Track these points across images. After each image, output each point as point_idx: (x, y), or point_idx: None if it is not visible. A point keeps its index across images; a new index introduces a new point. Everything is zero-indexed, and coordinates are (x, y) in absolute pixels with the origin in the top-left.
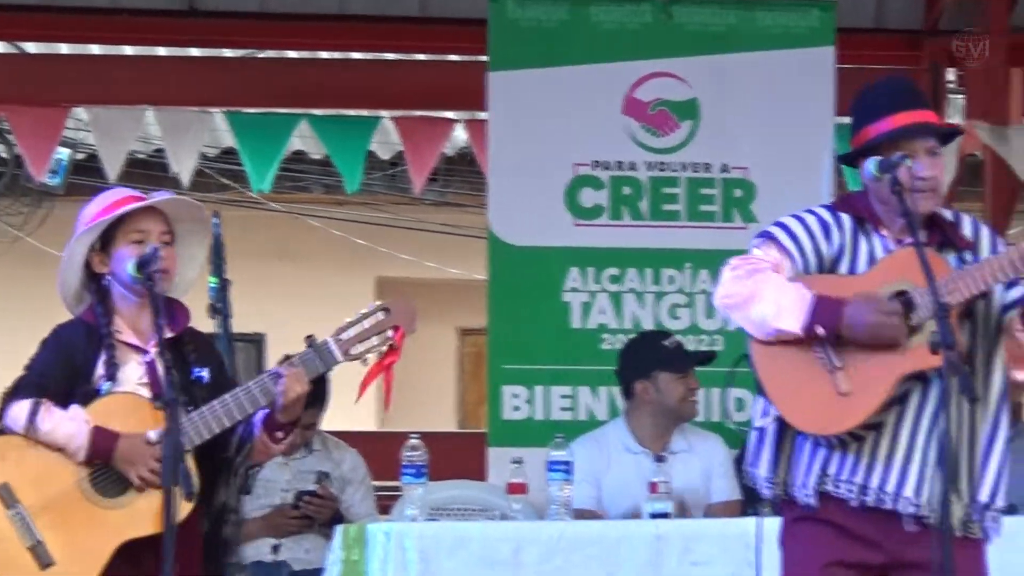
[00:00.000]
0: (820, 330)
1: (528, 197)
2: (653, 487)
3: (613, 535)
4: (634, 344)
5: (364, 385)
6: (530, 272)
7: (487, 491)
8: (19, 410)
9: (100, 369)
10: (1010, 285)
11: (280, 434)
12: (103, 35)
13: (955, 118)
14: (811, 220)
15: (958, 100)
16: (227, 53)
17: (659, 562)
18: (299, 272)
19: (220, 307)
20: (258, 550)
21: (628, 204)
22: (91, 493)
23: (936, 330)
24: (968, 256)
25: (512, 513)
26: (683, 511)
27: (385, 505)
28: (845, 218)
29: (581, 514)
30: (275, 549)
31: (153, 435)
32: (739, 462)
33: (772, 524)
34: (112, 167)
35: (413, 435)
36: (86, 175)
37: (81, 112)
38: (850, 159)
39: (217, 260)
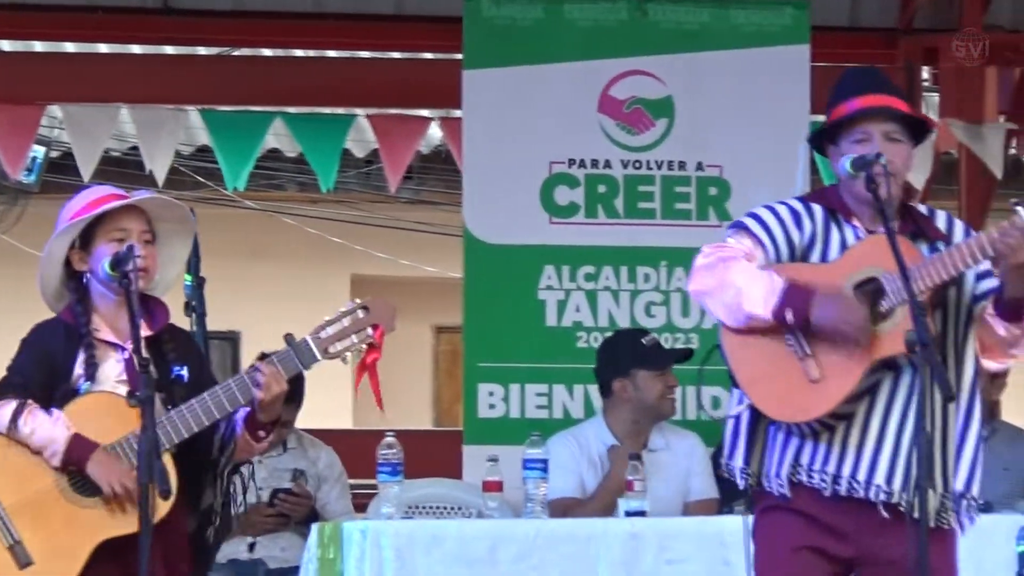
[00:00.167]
0: (789, 315)
1: (503, 195)
2: (629, 485)
3: (589, 533)
4: (612, 342)
5: (357, 382)
6: (505, 270)
7: (463, 489)
8: (3, 411)
9: (79, 368)
10: (982, 277)
11: (262, 433)
12: (78, 33)
13: (930, 116)
14: (783, 210)
15: (933, 98)
16: (202, 51)
17: (634, 560)
18: (274, 270)
19: (195, 305)
20: (234, 548)
21: (603, 202)
22: (70, 493)
23: (912, 328)
24: (941, 247)
25: (488, 511)
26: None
27: (361, 503)
28: (817, 208)
29: (561, 504)
30: (251, 547)
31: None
32: (715, 459)
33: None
34: (87, 165)
35: (389, 433)
36: (61, 173)
37: (56, 110)
38: (818, 144)
39: (192, 258)
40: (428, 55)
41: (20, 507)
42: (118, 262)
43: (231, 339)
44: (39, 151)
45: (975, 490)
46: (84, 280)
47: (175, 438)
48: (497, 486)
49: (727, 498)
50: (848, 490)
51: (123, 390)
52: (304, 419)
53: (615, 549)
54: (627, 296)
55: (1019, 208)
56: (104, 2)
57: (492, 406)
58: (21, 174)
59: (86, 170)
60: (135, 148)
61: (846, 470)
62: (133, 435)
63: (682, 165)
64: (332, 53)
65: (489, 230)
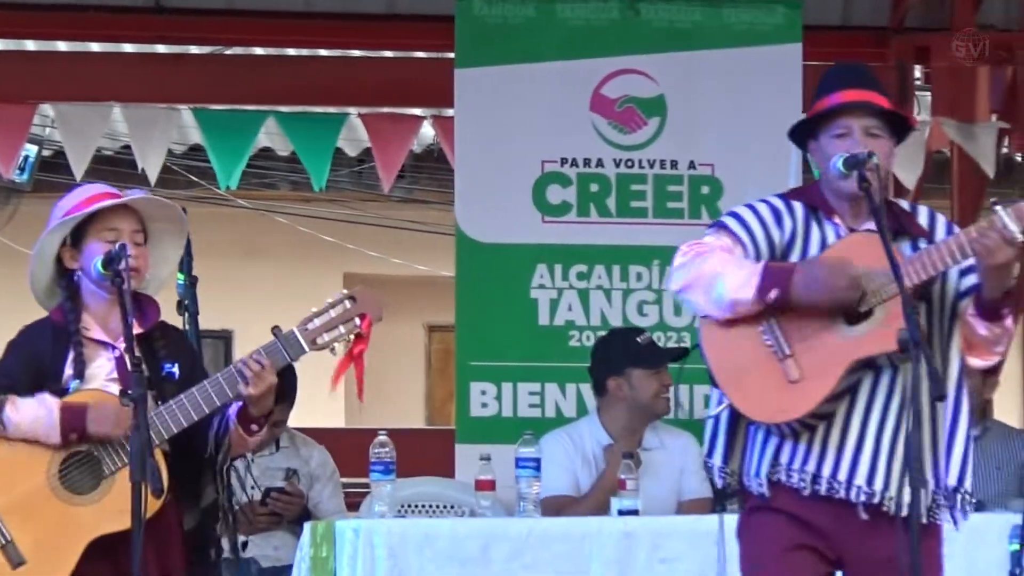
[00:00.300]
0: (774, 293)
1: (495, 194)
2: (622, 483)
3: (582, 531)
4: (607, 340)
5: (337, 375)
6: (498, 269)
7: (455, 488)
8: None
9: (69, 368)
10: (966, 273)
11: (255, 427)
12: (70, 32)
13: (922, 115)
14: (763, 208)
15: (925, 97)
16: (194, 50)
17: (627, 559)
18: (267, 269)
19: (188, 304)
20: (226, 547)
21: (595, 201)
22: (61, 491)
23: (896, 327)
24: (923, 244)
25: (480, 510)
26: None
27: (353, 502)
28: (797, 206)
29: (555, 501)
30: (244, 546)
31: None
32: None
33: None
34: (79, 164)
35: (381, 432)
36: (53, 172)
37: (48, 109)
38: (798, 139)
39: (185, 257)
40: (420, 54)
41: (11, 507)
42: (110, 261)
43: (224, 338)
44: (31, 150)
45: (968, 484)
46: (75, 278)
47: (165, 434)
48: (490, 485)
49: (720, 497)
50: (828, 490)
51: (113, 388)
52: (297, 418)
53: (608, 548)
54: (619, 295)
55: (998, 209)
56: (96, 1)
57: (484, 405)
58: (13, 173)
59: (78, 169)
60: (127, 147)
61: (826, 470)
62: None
63: (674, 164)
64: (324, 52)
65: (481, 229)
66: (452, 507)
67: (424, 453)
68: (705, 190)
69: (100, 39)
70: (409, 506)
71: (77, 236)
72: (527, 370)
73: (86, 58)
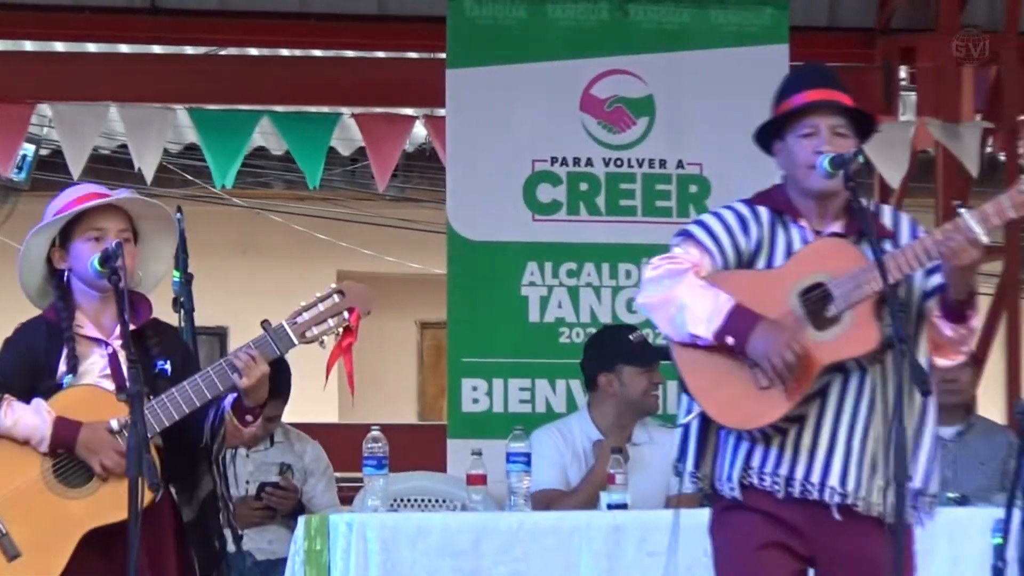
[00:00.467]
0: (730, 340)
1: (486, 192)
2: (611, 478)
3: (571, 525)
4: (600, 337)
5: (328, 369)
6: (489, 266)
7: (447, 482)
8: None
9: (62, 365)
10: (930, 272)
11: (249, 417)
12: (67, 32)
13: (907, 115)
14: (729, 216)
15: (910, 97)
16: (189, 50)
17: (616, 552)
18: (261, 266)
19: (183, 301)
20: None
21: (585, 199)
22: (55, 484)
23: (890, 324)
24: (888, 244)
25: (472, 504)
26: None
27: (347, 496)
28: (763, 211)
29: (544, 495)
30: (239, 540)
31: (115, 424)
32: None
33: None
34: (76, 163)
35: (374, 427)
36: (51, 171)
37: (45, 108)
38: (764, 140)
39: (180, 255)
40: (412, 54)
41: (6, 501)
42: (107, 259)
43: (219, 334)
44: (29, 149)
45: (933, 487)
46: (65, 278)
47: (157, 427)
48: (481, 479)
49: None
50: (801, 492)
51: (107, 384)
52: (291, 414)
53: (597, 541)
54: (608, 292)
55: (963, 212)
56: (92, 2)
57: (476, 400)
58: (11, 172)
59: (75, 168)
60: (124, 146)
61: (799, 472)
62: (115, 423)
63: (663, 163)
64: (318, 52)
65: (472, 227)
66: (444, 501)
67: (416, 448)
68: (693, 189)
69: (97, 40)
70: (402, 500)
71: (65, 236)
72: (518, 366)
73: (83, 58)
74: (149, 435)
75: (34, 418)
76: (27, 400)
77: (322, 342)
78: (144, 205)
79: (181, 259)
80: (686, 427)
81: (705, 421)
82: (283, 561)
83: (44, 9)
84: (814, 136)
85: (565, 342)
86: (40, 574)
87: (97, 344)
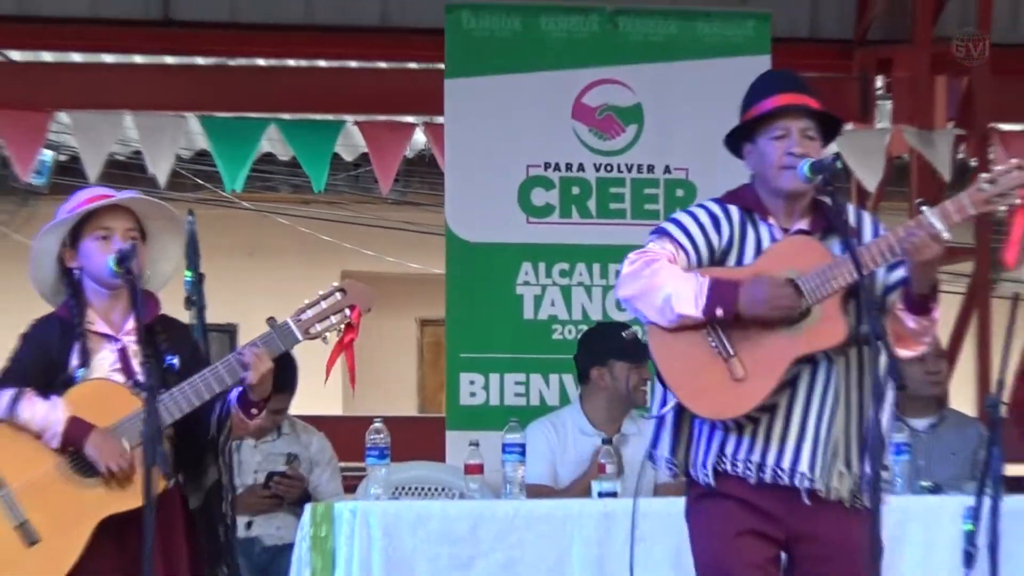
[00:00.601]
0: (720, 312)
1: (483, 196)
2: (602, 467)
3: (564, 513)
4: (593, 333)
5: (330, 365)
6: (485, 267)
7: (446, 472)
8: (2, 399)
9: (75, 359)
10: (892, 268)
11: (254, 410)
12: (84, 43)
13: (883, 123)
14: (702, 214)
15: (886, 106)
16: (200, 61)
17: (607, 539)
18: (269, 266)
19: (195, 299)
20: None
21: (577, 203)
22: (71, 473)
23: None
24: (852, 241)
25: (469, 492)
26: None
27: (351, 485)
28: (733, 210)
29: (535, 489)
30: (248, 526)
31: (126, 444)
32: None
33: None
34: (93, 168)
35: (377, 419)
36: (69, 175)
37: (64, 116)
38: (734, 142)
39: (192, 256)
40: (412, 64)
41: (25, 489)
42: (122, 259)
43: (229, 331)
44: (48, 155)
45: (884, 473)
46: (76, 276)
47: (169, 419)
48: (478, 469)
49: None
50: (773, 478)
51: (117, 377)
52: (297, 406)
53: (589, 528)
54: (599, 291)
55: (925, 209)
56: (108, 14)
57: (473, 394)
58: (31, 176)
59: (92, 173)
60: (138, 152)
61: (770, 459)
62: (128, 418)
63: (651, 168)
64: (322, 63)
65: (470, 229)
66: (443, 490)
67: (417, 439)
68: (680, 193)
69: (112, 51)
70: (403, 489)
71: (75, 236)
72: (513, 361)
73: (99, 69)
74: (162, 425)
75: (50, 414)
76: (43, 391)
77: (325, 338)
78: (150, 205)
79: (192, 260)
80: (661, 417)
81: (680, 410)
82: (290, 546)
83: (62, 21)
84: (785, 138)
85: (558, 338)
86: (58, 559)
87: (107, 340)
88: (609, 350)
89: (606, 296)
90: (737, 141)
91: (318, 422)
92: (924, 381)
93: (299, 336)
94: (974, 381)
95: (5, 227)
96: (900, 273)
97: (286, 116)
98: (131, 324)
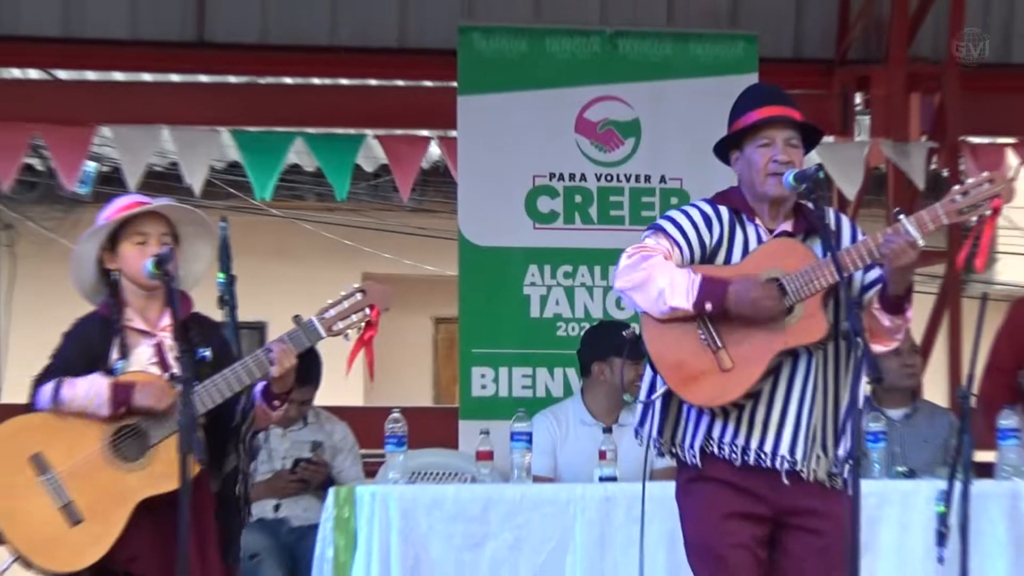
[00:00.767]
0: (709, 306)
1: (493, 204)
2: (602, 454)
3: (567, 496)
4: (596, 330)
5: (351, 359)
6: (495, 269)
7: (459, 458)
8: (46, 390)
9: (115, 353)
10: (869, 268)
11: (276, 403)
12: (125, 63)
13: (862, 136)
14: (695, 213)
15: (865, 120)
16: (232, 79)
17: (607, 520)
18: (295, 269)
19: (227, 299)
20: (262, 508)
21: (580, 210)
22: (112, 458)
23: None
24: (833, 246)
25: (481, 477)
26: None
27: (371, 470)
28: (723, 210)
29: (538, 480)
30: (276, 508)
31: (166, 375)
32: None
33: None
34: (133, 178)
35: (395, 410)
36: (111, 185)
37: (106, 130)
38: (722, 150)
39: (225, 258)
40: (427, 83)
41: (70, 473)
42: (160, 262)
43: (258, 328)
44: (91, 166)
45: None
46: (114, 277)
47: (202, 408)
48: (488, 455)
49: None
50: (756, 460)
51: (154, 370)
52: (322, 398)
53: (590, 510)
54: (600, 291)
55: (902, 217)
56: (147, 36)
57: (484, 386)
58: (76, 186)
59: (132, 183)
60: (175, 164)
61: (754, 443)
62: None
63: (647, 178)
64: (344, 81)
65: (481, 234)
66: (456, 474)
67: (432, 428)
68: (674, 200)
69: (150, 70)
70: (419, 474)
71: (113, 241)
72: (521, 356)
73: (139, 86)
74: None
75: (92, 387)
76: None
77: (346, 335)
78: (182, 212)
79: (225, 262)
80: (651, 404)
81: (668, 395)
82: (316, 527)
83: (104, 43)
84: (770, 146)
85: (562, 335)
86: (99, 537)
87: (144, 335)
88: (609, 347)
89: (607, 296)
90: (726, 150)
91: (341, 412)
92: (900, 374)
93: (322, 333)
94: (946, 374)
95: (52, 233)
96: (876, 273)
97: (311, 130)
98: (166, 321)
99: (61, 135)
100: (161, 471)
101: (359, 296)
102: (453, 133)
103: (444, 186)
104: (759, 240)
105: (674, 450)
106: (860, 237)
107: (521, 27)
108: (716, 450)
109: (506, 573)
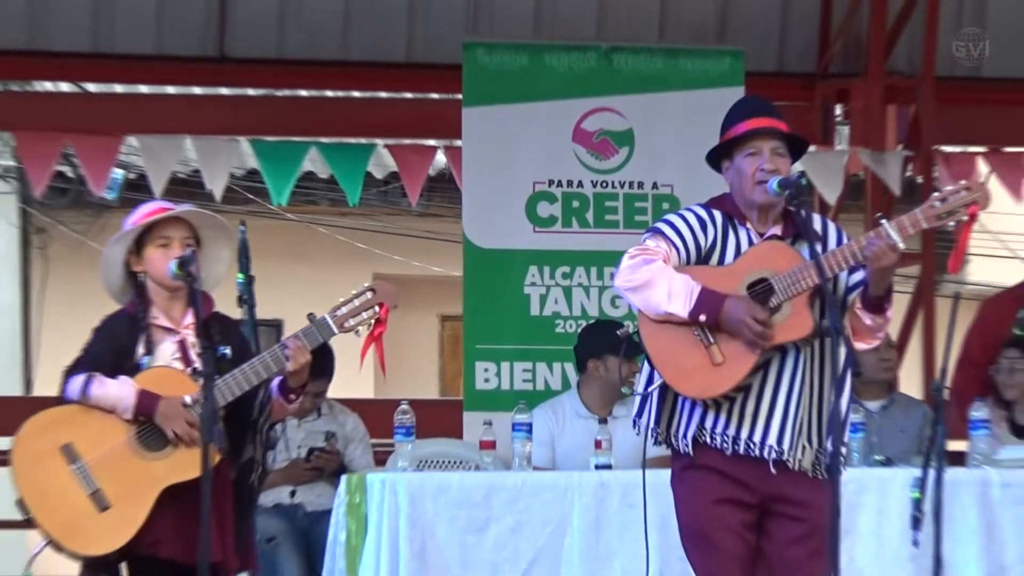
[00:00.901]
0: (703, 317)
1: (495, 208)
2: (598, 444)
3: (565, 483)
4: (592, 329)
5: (363, 353)
6: (497, 270)
7: (463, 447)
8: (75, 383)
9: (140, 348)
10: (853, 270)
11: (292, 396)
12: (150, 77)
13: (842, 145)
14: (691, 217)
15: (844, 130)
16: (251, 92)
17: (602, 505)
18: (310, 270)
19: (246, 298)
20: (279, 495)
21: (577, 215)
22: (138, 448)
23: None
24: (818, 246)
25: (484, 465)
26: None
27: (381, 459)
28: (717, 214)
29: (538, 470)
30: (292, 494)
31: (188, 399)
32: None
33: None
34: (157, 185)
35: (403, 402)
36: (137, 191)
37: (133, 140)
38: (714, 160)
39: (244, 260)
40: (434, 95)
41: (98, 462)
42: (183, 264)
43: (275, 326)
44: (119, 173)
45: (842, 448)
46: (140, 279)
47: (222, 401)
48: (491, 445)
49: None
50: (746, 450)
51: (178, 365)
52: (335, 390)
53: (587, 495)
54: (596, 291)
55: (883, 222)
56: (171, 52)
57: (487, 380)
58: (104, 192)
59: (157, 189)
60: (197, 171)
61: (744, 433)
62: (188, 399)
63: (640, 185)
64: (356, 94)
65: (484, 237)
66: (461, 463)
67: (438, 419)
68: (666, 205)
69: (174, 83)
70: (426, 462)
71: (139, 245)
72: (521, 352)
73: (163, 99)
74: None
75: (120, 389)
76: (112, 377)
77: (357, 331)
78: (203, 216)
79: (244, 264)
80: (648, 396)
81: (665, 388)
82: (329, 512)
83: (131, 58)
84: (758, 155)
85: (560, 332)
86: (126, 522)
87: (168, 333)
88: (604, 345)
89: (602, 295)
90: (717, 158)
91: (352, 404)
92: (877, 368)
93: (335, 329)
94: (920, 368)
95: (82, 236)
96: (860, 276)
97: (325, 140)
98: (189, 319)
99: (90, 144)
100: (184, 460)
101: (369, 294)
102: (458, 142)
103: (450, 192)
104: (750, 243)
105: (670, 440)
106: (845, 241)
107: (522, 43)
108: (708, 440)
109: (508, 555)
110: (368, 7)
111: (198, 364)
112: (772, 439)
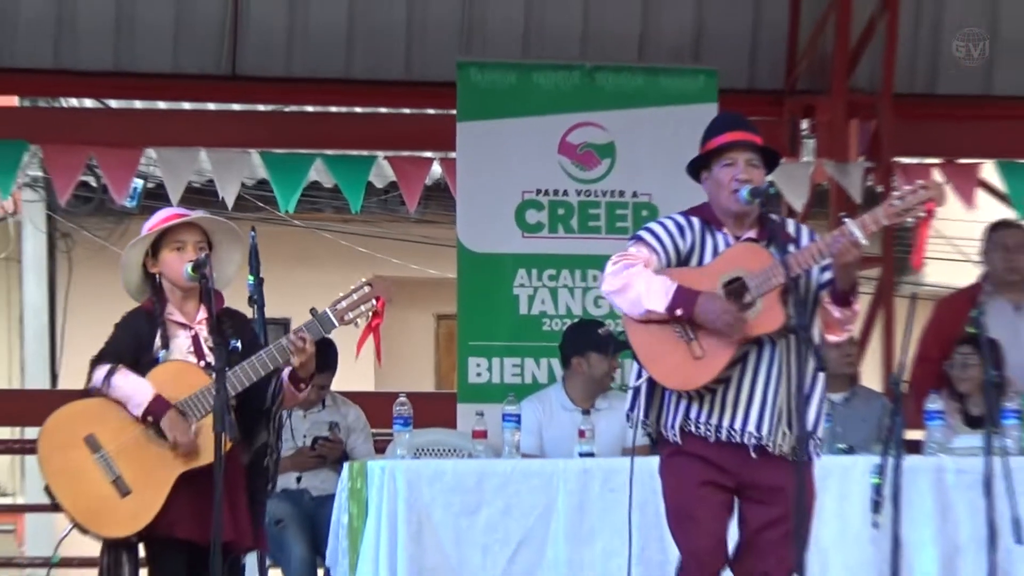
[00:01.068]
0: (680, 312)
1: (487, 215)
2: (581, 433)
3: (551, 469)
4: (576, 328)
5: (360, 344)
6: (489, 272)
7: (457, 437)
8: (101, 371)
9: (157, 342)
10: (824, 269)
11: (302, 385)
12: (167, 94)
13: (808, 157)
14: (670, 224)
15: (810, 143)
16: (261, 108)
17: (585, 490)
18: (315, 272)
19: (257, 298)
20: (286, 480)
21: (562, 221)
22: (155, 438)
23: (786, 315)
24: (791, 247)
25: (476, 453)
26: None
27: (380, 447)
28: (695, 220)
29: (526, 457)
30: (298, 480)
31: (193, 425)
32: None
33: None
34: (174, 194)
35: (401, 394)
36: (155, 199)
37: (151, 152)
38: (694, 170)
39: (254, 263)
40: (430, 111)
41: (119, 450)
42: (197, 266)
43: (283, 324)
44: (139, 183)
45: (820, 431)
46: (157, 279)
47: (232, 391)
48: (483, 434)
49: (656, 444)
50: (727, 437)
51: (192, 359)
52: (338, 383)
53: (571, 481)
54: (580, 292)
55: (847, 220)
56: (187, 71)
57: (479, 374)
58: (125, 200)
59: (174, 198)
60: (211, 181)
61: (726, 421)
62: (200, 392)
63: (621, 193)
64: (358, 109)
65: (476, 242)
66: (455, 451)
67: (434, 410)
68: (645, 213)
69: (190, 99)
70: (422, 450)
71: (155, 248)
72: (511, 348)
73: (179, 114)
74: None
75: (139, 388)
76: (133, 369)
77: (356, 323)
78: (214, 222)
79: (255, 266)
80: (637, 388)
81: (652, 383)
82: (332, 496)
83: (150, 76)
84: (733, 166)
85: (547, 330)
86: (146, 506)
87: (183, 328)
88: (587, 343)
89: (586, 295)
90: (697, 169)
91: (355, 396)
92: (840, 363)
93: (335, 322)
94: (880, 363)
95: (104, 241)
96: (829, 275)
97: (329, 152)
98: (202, 315)
99: (112, 156)
100: (198, 447)
101: (366, 289)
102: (453, 154)
103: (445, 200)
104: (727, 245)
105: (660, 431)
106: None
107: (511, 62)
108: (693, 429)
109: (498, 536)
110: (369, 29)
111: (210, 358)
112: (752, 426)
